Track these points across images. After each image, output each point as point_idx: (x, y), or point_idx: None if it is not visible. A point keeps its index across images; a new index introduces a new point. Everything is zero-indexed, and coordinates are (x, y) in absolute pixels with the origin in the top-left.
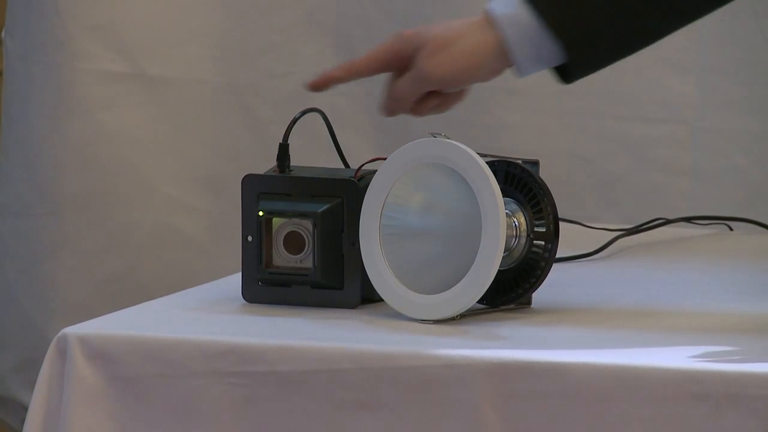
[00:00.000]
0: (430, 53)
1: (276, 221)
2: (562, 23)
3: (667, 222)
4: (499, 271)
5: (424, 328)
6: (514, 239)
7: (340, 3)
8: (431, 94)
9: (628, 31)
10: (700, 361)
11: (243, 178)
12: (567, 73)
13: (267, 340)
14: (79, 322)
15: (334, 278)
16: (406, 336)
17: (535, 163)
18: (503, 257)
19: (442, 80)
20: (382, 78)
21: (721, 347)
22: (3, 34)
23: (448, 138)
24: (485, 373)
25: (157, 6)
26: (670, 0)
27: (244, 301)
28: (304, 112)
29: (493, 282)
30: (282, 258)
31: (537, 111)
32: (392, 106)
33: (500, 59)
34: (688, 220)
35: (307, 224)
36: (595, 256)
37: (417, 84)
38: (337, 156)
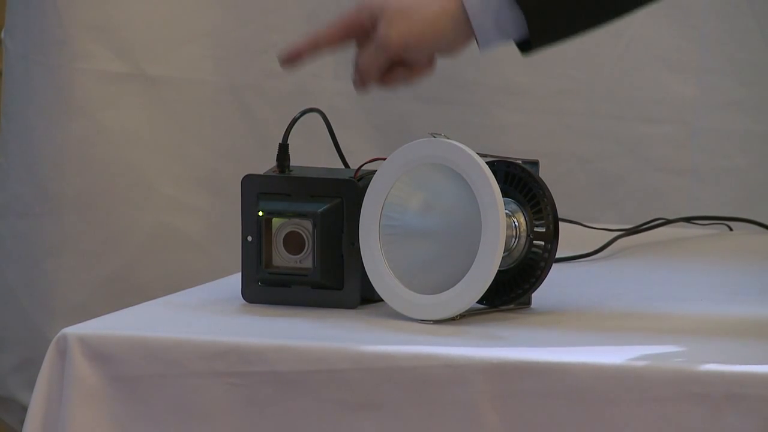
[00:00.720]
0: (389, 20)
1: (276, 221)
2: None
3: (667, 222)
4: (499, 272)
5: (424, 328)
6: (513, 239)
7: (340, 3)
8: (398, 65)
9: (590, 3)
10: (700, 361)
11: (243, 178)
12: (527, 44)
13: (267, 340)
14: (79, 322)
15: (333, 278)
16: (406, 336)
17: (535, 163)
18: (503, 257)
19: (401, 47)
20: None
21: (721, 347)
22: (3, 34)
23: (448, 138)
24: (485, 373)
25: (157, 6)
26: None
27: (244, 301)
28: (303, 112)
29: (492, 282)
30: (282, 258)
31: (537, 111)
32: (359, 79)
33: (460, 28)
34: (687, 220)
35: (307, 224)
36: (595, 256)
37: (378, 52)
38: (337, 156)
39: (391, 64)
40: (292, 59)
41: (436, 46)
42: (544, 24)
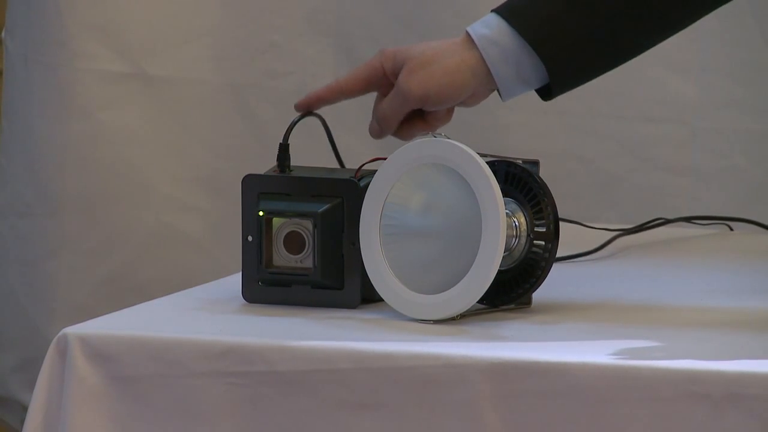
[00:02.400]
0: (410, 71)
1: (276, 221)
2: (542, 41)
3: (667, 222)
4: (499, 271)
5: (424, 328)
6: (514, 239)
7: (340, 3)
8: (417, 116)
9: (608, 47)
10: (700, 361)
11: (243, 178)
12: (548, 90)
13: (267, 340)
14: (79, 322)
15: (334, 278)
16: (406, 336)
17: (535, 163)
18: (503, 257)
19: (421, 98)
20: None
21: (721, 347)
22: (3, 34)
23: (448, 138)
24: (485, 373)
25: (157, 6)
26: (650, 15)
27: (244, 301)
28: (303, 116)
29: (493, 282)
30: (282, 258)
31: (537, 111)
32: (378, 128)
33: (481, 79)
34: (688, 220)
35: (307, 224)
36: (595, 255)
37: (398, 103)
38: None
39: (410, 114)
40: (310, 105)
41: (456, 98)
42: (563, 71)
